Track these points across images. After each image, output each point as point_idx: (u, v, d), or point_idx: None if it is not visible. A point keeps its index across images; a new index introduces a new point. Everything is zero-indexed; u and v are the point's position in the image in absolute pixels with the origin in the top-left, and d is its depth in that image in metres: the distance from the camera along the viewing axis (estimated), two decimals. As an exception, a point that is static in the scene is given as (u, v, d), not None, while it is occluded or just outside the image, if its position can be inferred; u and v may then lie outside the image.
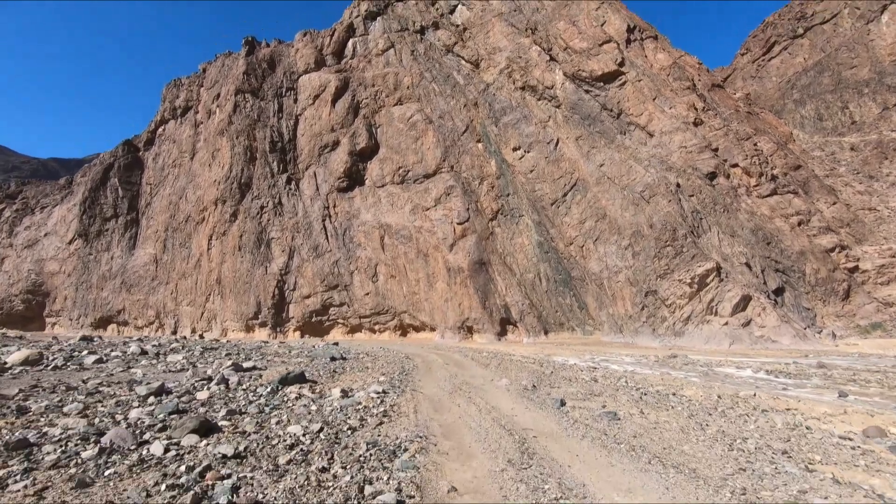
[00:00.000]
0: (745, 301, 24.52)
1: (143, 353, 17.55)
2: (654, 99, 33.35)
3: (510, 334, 34.70)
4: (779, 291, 26.41)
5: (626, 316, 29.09)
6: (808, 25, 49.08)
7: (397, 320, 39.15)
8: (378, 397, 8.87)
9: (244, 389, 9.65)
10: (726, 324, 23.73)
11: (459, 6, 48.57)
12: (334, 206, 44.77)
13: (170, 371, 12.68)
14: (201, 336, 43.99)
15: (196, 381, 10.43)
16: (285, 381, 10.11)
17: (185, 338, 37.58)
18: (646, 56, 35.43)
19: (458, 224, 37.89)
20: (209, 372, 12.33)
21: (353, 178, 45.24)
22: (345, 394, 9.17)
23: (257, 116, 51.59)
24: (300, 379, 10.50)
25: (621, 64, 34.55)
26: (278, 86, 53.24)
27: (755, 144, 31.53)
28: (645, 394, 9.89)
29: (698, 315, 24.96)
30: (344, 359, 16.72)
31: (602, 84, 35.09)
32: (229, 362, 13.99)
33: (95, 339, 28.78)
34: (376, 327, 40.28)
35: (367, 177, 45.18)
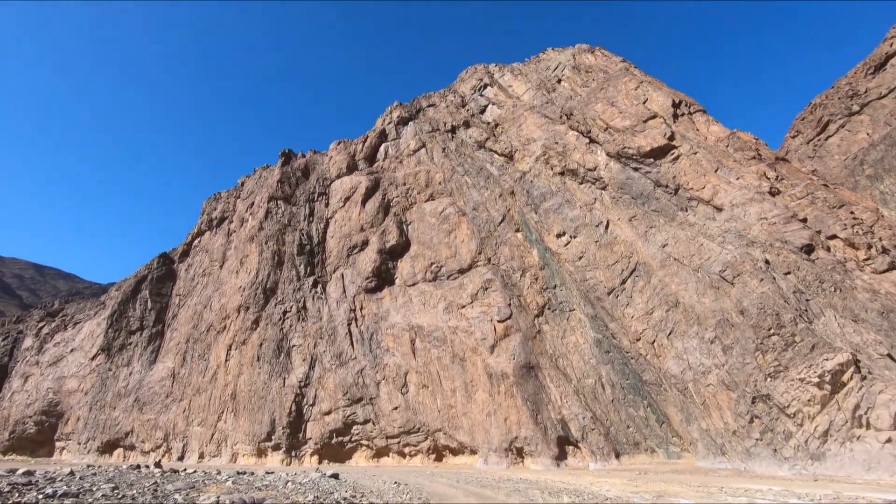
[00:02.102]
0: (902, 407, 17.65)
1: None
2: (715, 171, 29.43)
3: (571, 457, 27.53)
4: (942, 393, 19.32)
5: (727, 431, 22.06)
6: (864, 102, 46.03)
7: (431, 441, 32.55)
8: None
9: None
10: (889, 440, 16.71)
11: (490, 106, 48.60)
12: (361, 309, 40.80)
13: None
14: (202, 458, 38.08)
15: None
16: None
17: (148, 466, 31.96)
18: (697, 129, 32.33)
19: (499, 322, 32.81)
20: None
21: (381, 278, 41.77)
22: None
23: (288, 221, 50.66)
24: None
25: (671, 138, 31.44)
26: (310, 191, 53.06)
27: (852, 212, 26.34)
28: None
29: (841, 428, 18.02)
30: None
31: (652, 160, 31.73)
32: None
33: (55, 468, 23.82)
34: (406, 450, 33.63)
35: (396, 276, 41.67)
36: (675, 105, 33.24)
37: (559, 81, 44.56)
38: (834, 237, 25.40)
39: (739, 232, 26.49)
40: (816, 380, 18.89)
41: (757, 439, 20.45)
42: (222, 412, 42.55)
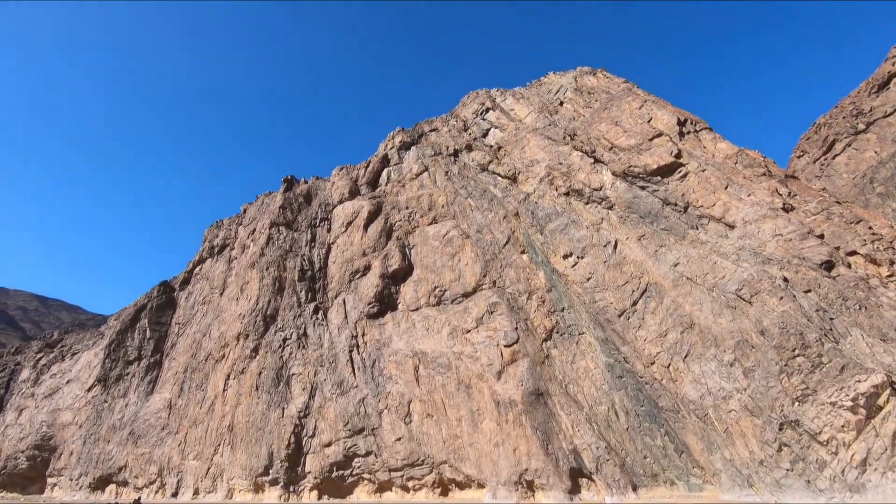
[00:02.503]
0: (945, 433, 16.32)
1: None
2: (725, 188, 28.70)
3: (585, 490, 25.92)
4: None
5: (753, 461, 20.56)
6: (870, 120, 45.71)
7: (435, 474, 30.88)
8: None
9: None
10: (935, 470, 15.33)
11: (492, 129, 48.49)
12: (363, 335, 39.63)
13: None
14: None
15: None
16: None
17: None
18: (704, 147, 31.79)
19: (506, 346, 31.59)
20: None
21: (384, 303, 40.73)
22: None
23: (289, 247, 50.01)
24: None
25: (678, 156, 30.86)
26: (312, 217, 52.60)
27: (870, 228, 25.40)
28: None
29: (881, 457, 16.63)
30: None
31: (659, 178, 31.08)
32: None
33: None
34: (410, 483, 31.93)
35: (399, 300, 40.62)
36: (681, 123, 32.81)
37: (561, 104, 44.50)
38: (853, 253, 24.41)
39: (754, 249, 25.52)
40: (849, 403, 17.59)
41: (788, 469, 18.98)
42: (219, 445, 40.89)
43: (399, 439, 32.61)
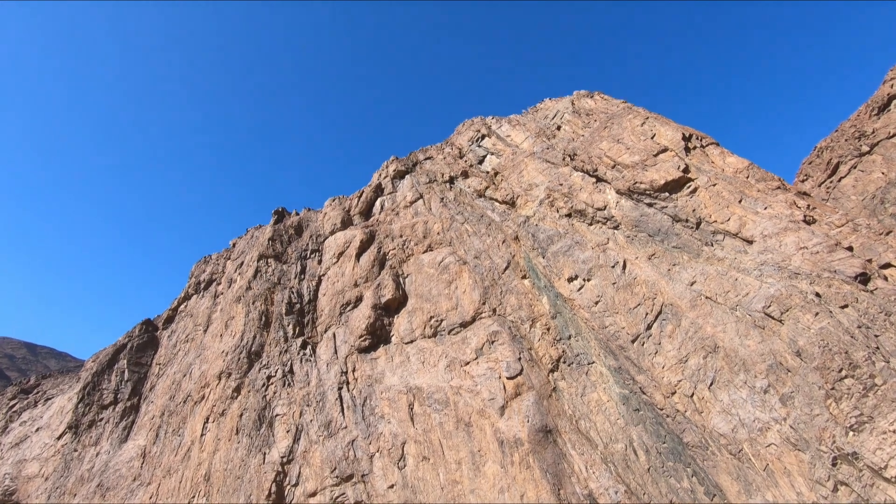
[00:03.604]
0: None
1: None
2: (739, 201, 26.87)
3: (604, 544, 22.58)
4: None
5: (803, 504, 17.60)
6: (874, 142, 44.79)
7: (433, 526, 27.30)
8: None
9: None
10: None
11: (488, 156, 47.32)
12: (353, 371, 36.65)
13: None
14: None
15: None
16: None
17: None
18: (712, 162, 30.23)
19: (509, 379, 28.79)
20: None
21: (376, 336, 37.97)
22: None
23: (278, 279, 47.58)
24: None
25: (686, 170, 29.24)
26: (303, 249, 50.47)
27: (902, 239, 23.40)
28: None
29: (966, 495, 13.88)
30: None
31: (667, 194, 29.30)
32: None
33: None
34: (404, 539, 28.22)
35: (393, 333, 37.91)
36: (686, 139, 31.41)
37: (559, 128, 43.47)
38: (888, 266, 22.23)
39: (778, 264, 23.37)
40: (918, 431, 14.97)
41: (848, 513, 16.06)
42: (194, 497, 36.93)
43: (392, 487, 29.16)
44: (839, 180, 45.92)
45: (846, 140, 47.48)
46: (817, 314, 20.06)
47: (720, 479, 20.93)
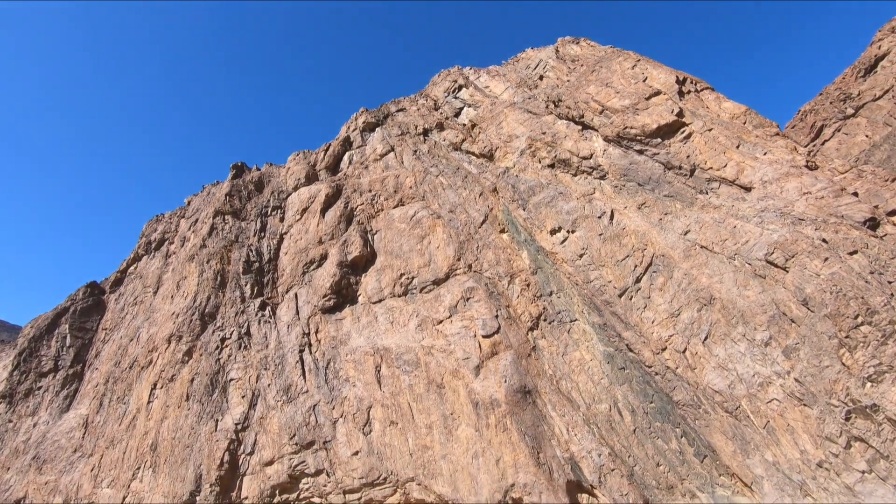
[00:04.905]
0: None
1: None
2: (737, 147, 24.84)
3: (586, 510, 20.86)
4: None
5: (808, 463, 16.01)
6: (859, 104, 43.78)
7: (401, 494, 25.17)
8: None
9: None
10: None
11: (465, 108, 44.14)
12: (316, 332, 33.81)
13: None
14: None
15: None
16: None
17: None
18: (707, 107, 28.07)
19: (485, 337, 26.52)
20: None
21: (342, 295, 35.08)
22: None
23: (235, 237, 43.77)
24: None
25: (680, 115, 26.98)
26: (263, 205, 46.59)
27: (908, 186, 21.83)
28: None
29: None
30: None
31: (659, 140, 27.07)
32: None
33: None
34: (369, 508, 26.05)
35: (360, 292, 35.08)
36: (680, 82, 29.09)
37: (541, 78, 40.60)
38: (895, 213, 20.68)
39: (780, 210, 21.51)
40: (950, 379, 13.30)
41: (863, 472, 14.46)
42: (139, 468, 33.82)
43: (356, 453, 26.81)
44: (823, 143, 45.02)
45: (831, 103, 46.50)
46: (826, 259, 18.28)
47: (713, 438, 19.30)
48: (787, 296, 18.71)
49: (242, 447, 30.36)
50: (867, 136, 42.19)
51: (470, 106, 43.56)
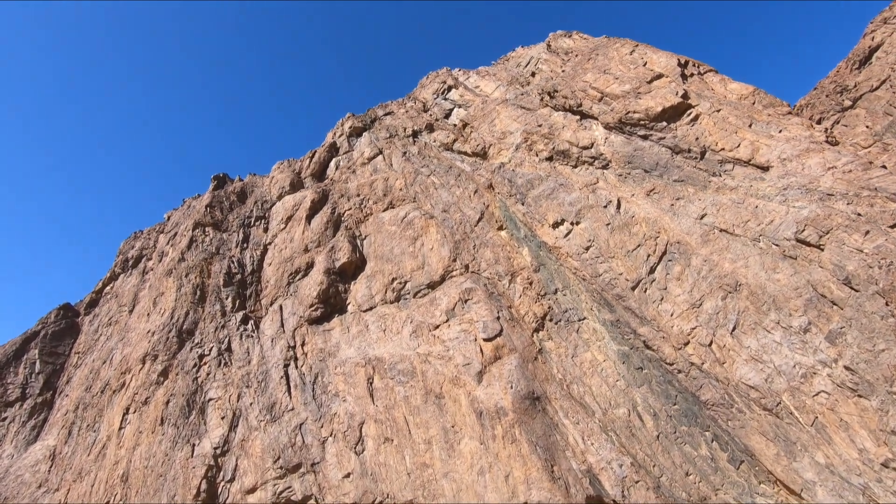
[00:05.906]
0: None
1: None
2: (749, 126, 23.23)
3: (609, 529, 18.41)
4: None
5: (871, 463, 13.84)
6: (857, 96, 42.95)
7: (398, 520, 22.45)
8: None
9: None
10: None
11: (456, 109, 42.59)
12: (303, 345, 31.28)
13: None
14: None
15: None
16: None
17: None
18: (712, 89, 26.58)
19: (487, 341, 24.25)
20: None
21: (330, 305, 32.69)
22: None
23: (216, 249, 41.31)
24: None
25: (685, 96, 25.43)
26: (246, 216, 44.31)
27: (938, 158, 20.25)
28: None
29: None
30: None
31: (664, 124, 25.43)
32: None
33: None
34: (363, 537, 23.24)
35: (349, 301, 32.71)
36: (682, 65, 27.69)
37: (533, 74, 39.27)
38: (928, 185, 18.99)
39: (805, 186, 19.74)
40: None
41: (944, 470, 12.31)
42: (108, 502, 30.62)
43: (348, 476, 24.09)
44: (821, 137, 44.00)
45: (827, 96, 45.79)
46: (868, 233, 16.42)
47: (750, 441, 17.06)
48: (824, 276, 16.78)
49: (222, 473, 27.44)
50: (868, 126, 41.29)
51: (460, 106, 42.03)
